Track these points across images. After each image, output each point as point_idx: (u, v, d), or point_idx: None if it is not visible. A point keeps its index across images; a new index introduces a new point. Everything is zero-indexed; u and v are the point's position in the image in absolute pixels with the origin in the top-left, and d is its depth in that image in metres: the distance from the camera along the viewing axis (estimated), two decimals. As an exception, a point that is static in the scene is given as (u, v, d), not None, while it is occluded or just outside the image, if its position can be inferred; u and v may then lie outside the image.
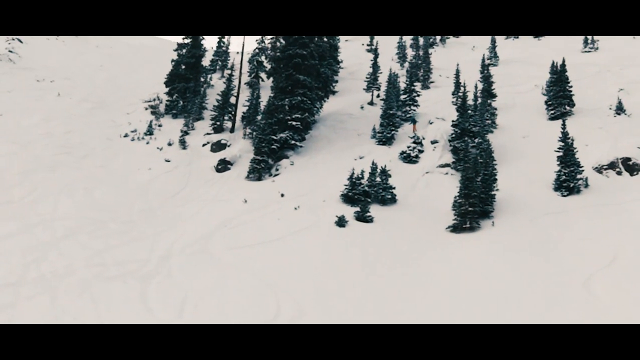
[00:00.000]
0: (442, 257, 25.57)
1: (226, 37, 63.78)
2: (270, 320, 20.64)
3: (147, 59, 71.45)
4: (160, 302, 21.75)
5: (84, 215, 30.07)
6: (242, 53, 55.82)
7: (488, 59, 57.14)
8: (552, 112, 41.64)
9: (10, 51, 60.45)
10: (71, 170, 36.72)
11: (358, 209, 30.46)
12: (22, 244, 25.34)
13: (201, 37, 55.98)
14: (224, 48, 64.93)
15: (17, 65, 58.93)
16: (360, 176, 33.18)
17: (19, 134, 41.54)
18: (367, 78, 53.81)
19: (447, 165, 36.99)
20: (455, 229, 28.37)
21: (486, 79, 47.15)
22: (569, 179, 30.05)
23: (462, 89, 41.63)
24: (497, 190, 30.36)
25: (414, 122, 38.62)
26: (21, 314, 19.37)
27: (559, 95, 41.71)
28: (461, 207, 28.43)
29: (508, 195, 30.47)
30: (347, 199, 32.31)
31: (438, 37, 74.25)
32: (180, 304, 21.61)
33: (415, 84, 48.71)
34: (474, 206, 28.25)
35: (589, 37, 60.79)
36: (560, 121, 34.54)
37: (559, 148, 31.22)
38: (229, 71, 53.78)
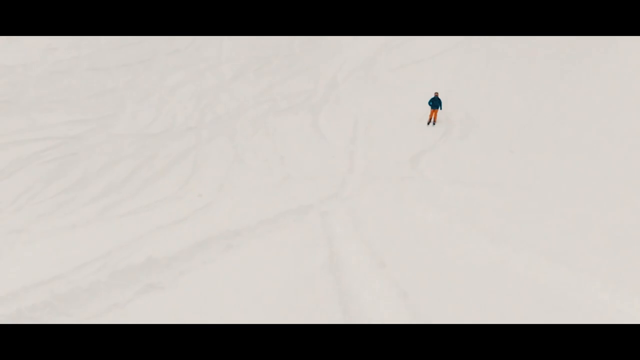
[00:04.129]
0: None
1: None
2: (442, 136, 19.91)
3: None
4: (332, 129, 21.75)
5: (247, 55, 30.32)
6: None
7: None
8: None
9: None
10: (228, 12, 36.86)
11: None
12: (195, 90, 26.20)
13: None
14: None
15: None
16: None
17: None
18: None
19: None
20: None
21: None
22: None
23: None
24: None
25: (434, 105, 22.64)
26: (205, 154, 20.26)
27: None
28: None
29: None
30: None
31: None
32: (351, 129, 21.46)
33: None
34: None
35: None
36: None
37: None
38: None
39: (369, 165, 17.92)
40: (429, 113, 22.84)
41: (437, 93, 22.74)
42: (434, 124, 22.46)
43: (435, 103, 22.58)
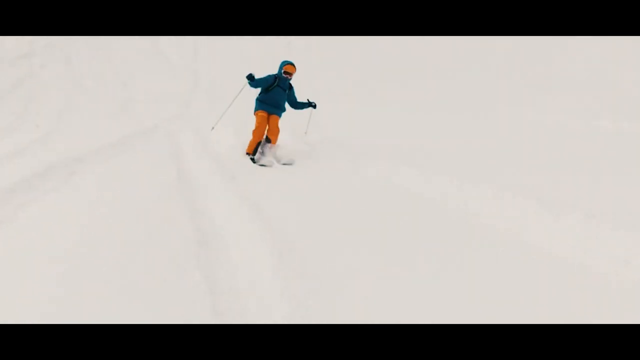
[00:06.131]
0: None
1: None
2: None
3: None
4: (173, 48, 21.24)
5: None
6: None
7: None
8: None
9: None
10: None
11: None
12: (20, 13, 24.31)
13: None
14: None
15: None
16: None
17: None
18: None
19: None
20: None
21: None
22: None
23: None
24: None
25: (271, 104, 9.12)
26: (40, 82, 19.08)
27: None
28: None
29: None
30: None
31: None
32: (194, 46, 21.11)
33: None
34: None
35: None
36: None
37: None
38: None
39: (213, 83, 17.77)
40: (255, 126, 9.03)
41: (289, 69, 9.03)
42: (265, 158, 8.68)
43: (277, 97, 9.10)
